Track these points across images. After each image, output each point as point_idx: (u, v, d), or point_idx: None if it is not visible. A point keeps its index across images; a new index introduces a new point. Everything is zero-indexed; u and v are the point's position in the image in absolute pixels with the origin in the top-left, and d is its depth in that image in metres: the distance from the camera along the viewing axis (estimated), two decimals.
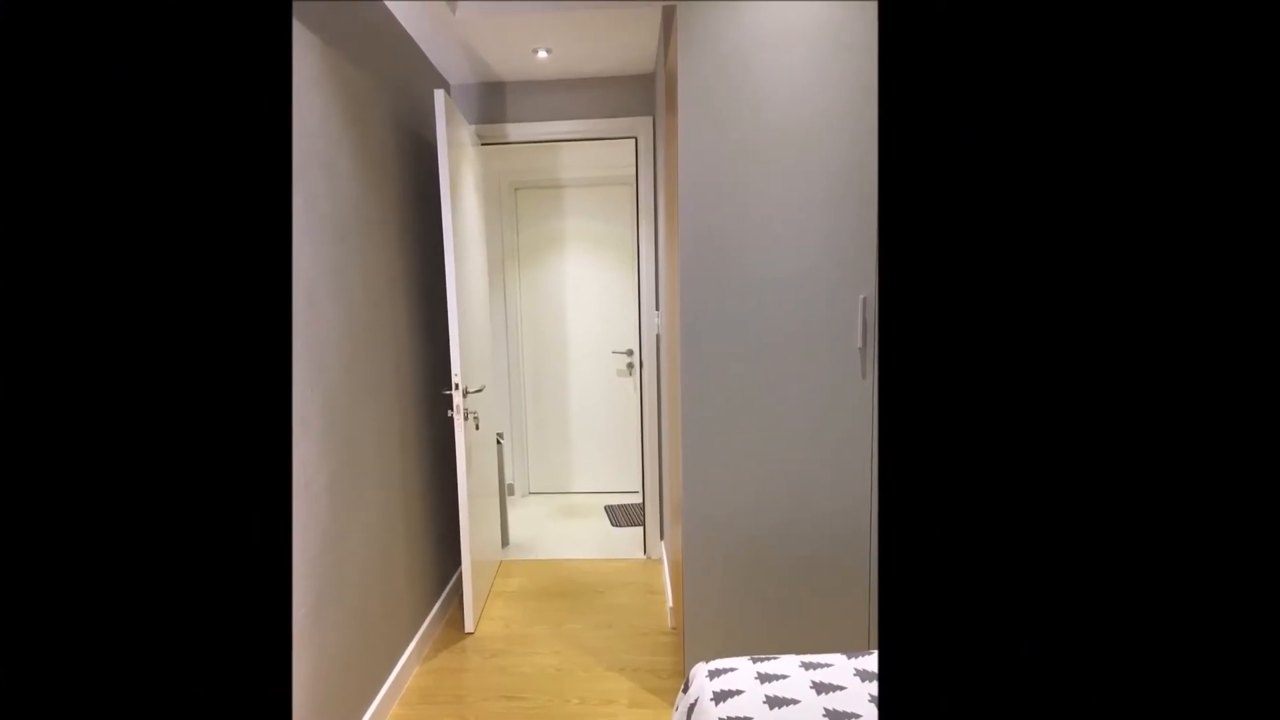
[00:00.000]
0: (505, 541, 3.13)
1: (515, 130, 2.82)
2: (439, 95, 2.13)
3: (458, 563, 2.71)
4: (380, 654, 1.89)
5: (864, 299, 1.68)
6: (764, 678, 1.20)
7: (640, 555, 2.98)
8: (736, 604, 1.80)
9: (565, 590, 2.65)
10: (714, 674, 1.25)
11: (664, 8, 2.13)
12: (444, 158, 2.15)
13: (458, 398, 2.20)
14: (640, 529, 3.27)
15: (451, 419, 2.58)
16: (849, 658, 1.26)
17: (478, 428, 2.46)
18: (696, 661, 1.80)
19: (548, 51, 2.49)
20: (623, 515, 3.49)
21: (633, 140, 2.86)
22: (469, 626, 2.31)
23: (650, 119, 2.78)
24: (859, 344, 1.69)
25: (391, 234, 2.09)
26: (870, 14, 1.61)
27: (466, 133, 2.51)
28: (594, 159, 3.66)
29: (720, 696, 1.17)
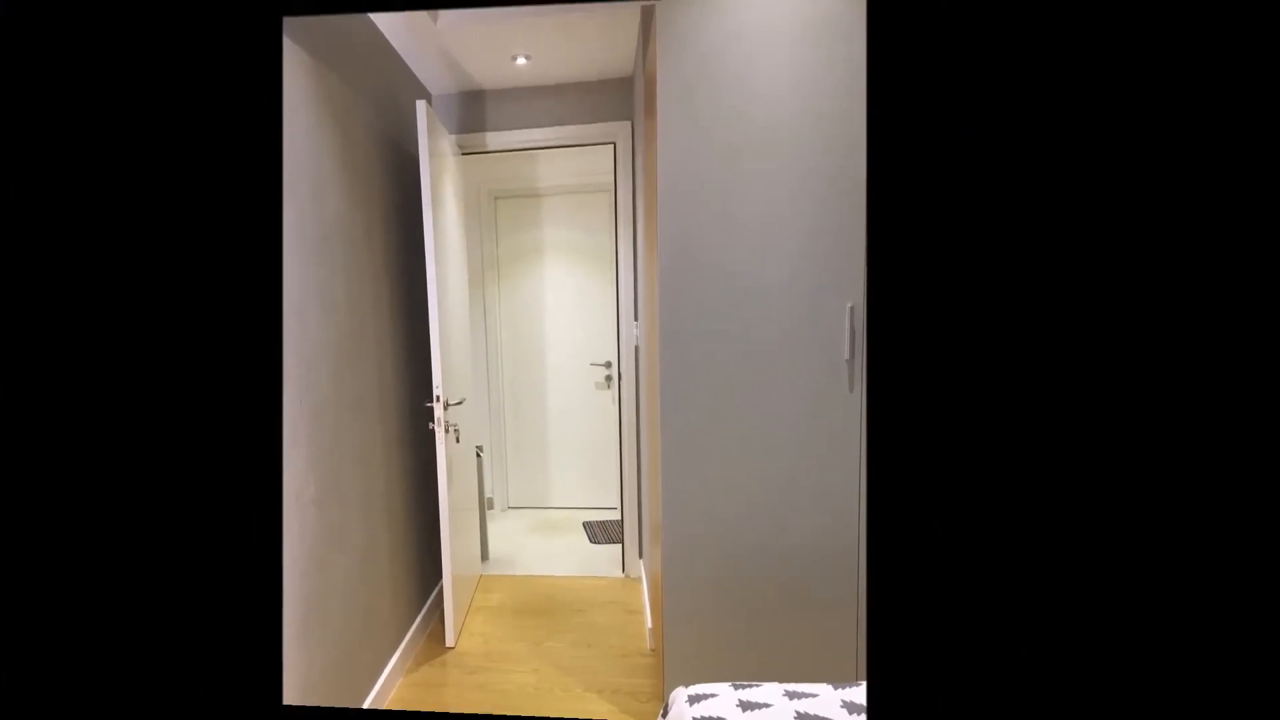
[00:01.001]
0: (485, 556, 3.09)
1: (495, 139, 2.80)
2: (420, 106, 2.11)
3: (439, 576, 2.67)
4: (365, 665, 1.88)
5: (851, 307, 1.60)
6: (746, 705, 1.16)
7: (619, 574, 2.93)
8: (718, 626, 1.73)
9: (544, 607, 2.60)
10: (694, 699, 1.20)
11: (643, 8, 2.07)
12: (426, 169, 2.13)
13: (439, 410, 2.18)
14: (619, 546, 3.25)
15: (433, 431, 2.55)
16: (835, 688, 1.21)
17: (458, 440, 2.43)
18: (676, 685, 1.73)
19: (526, 58, 2.47)
20: (601, 532, 3.44)
21: (611, 146, 2.83)
22: (450, 641, 2.27)
23: (629, 123, 2.75)
24: (846, 355, 1.62)
25: (375, 246, 2.07)
26: (859, 7, 1.53)
27: (447, 143, 2.50)
28: (572, 166, 3.63)
29: None
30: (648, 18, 1.99)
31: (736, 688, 1.22)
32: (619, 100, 2.76)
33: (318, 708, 1.54)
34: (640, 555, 2.86)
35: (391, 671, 2.05)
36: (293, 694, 1.45)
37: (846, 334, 1.62)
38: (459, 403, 2.45)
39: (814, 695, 1.18)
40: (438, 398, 2.17)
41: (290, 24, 1.50)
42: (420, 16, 2.13)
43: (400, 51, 2.35)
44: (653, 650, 2.26)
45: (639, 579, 2.87)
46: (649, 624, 2.35)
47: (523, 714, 1.92)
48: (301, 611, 1.52)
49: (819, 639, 1.71)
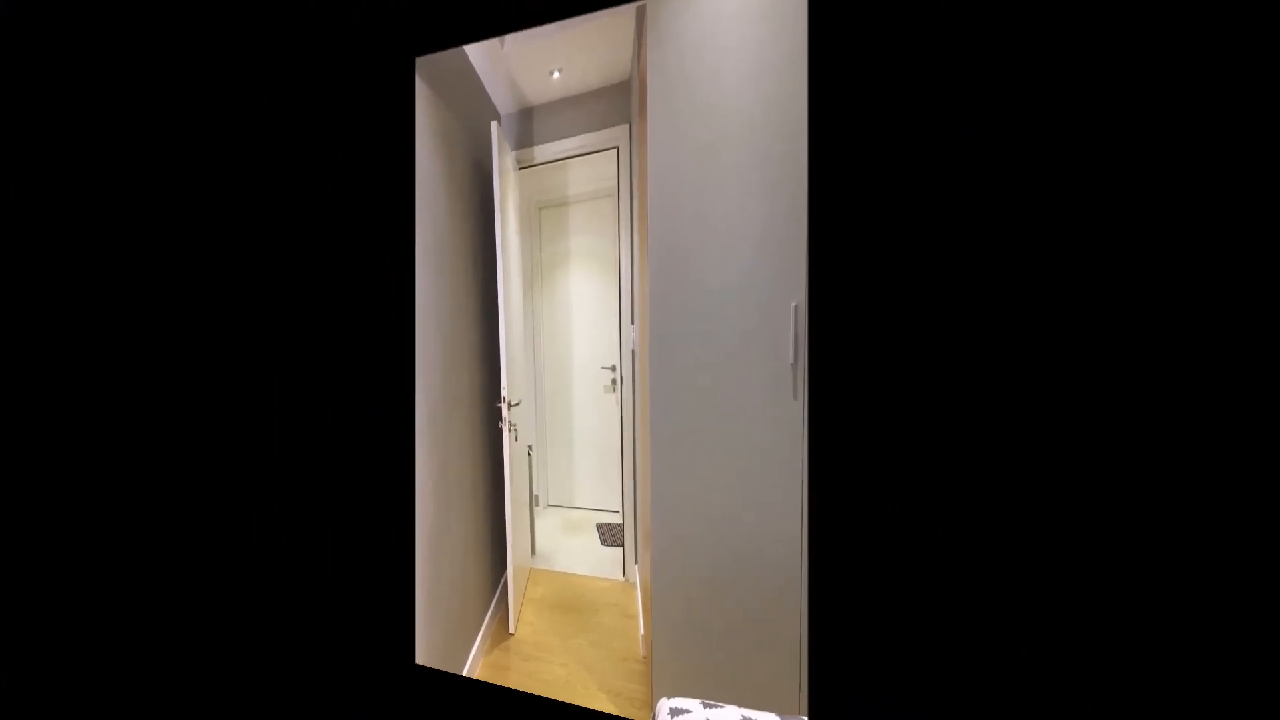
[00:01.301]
0: (533, 550, 3.22)
1: (540, 152, 2.94)
2: (494, 127, 2.26)
3: (504, 566, 2.81)
4: (462, 644, 2.10)
5: (795, 307, 1.42)
6: None
7: (620, 577, 2.97)
8: (704, 635, 1.66)
9: (571, 605, 2.69)
10: (675, 712, 1.21)
11: (637, 8, 2.03)
12: (498, 186, 2.28)
13: (505, 411, 2.32)
14: (621, 550, 3.25)
15: (501, 430, 2.70)
16: None
17: (516, 439, 2.57)
18: (663, 694, 1.65)
19: (559, 72, 2.59)
20: (609, 534, 3.49)
21: (615, 150, 2.84)
22: (512, 628, 2.43)
23: (628, 126, 2.75)
24: (790, 359, 1.43)
25: (469, 259, 2.26)
26: None
27: (510, 159, 2.65)
28: (591, 173, 3.64)
29: None
30: (641, 18, 1.93)
31: (706, 706, 1.23)
32: (620, 104, 2.78)
33: (446, 672, 1.67)
34: (635, 560, 2.86)
35: (476, 652, 2.23)
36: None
37: (791, 337, 1.43)
38: (517, 404, 2.59)
39: None
40: (504, 399, 2.31)
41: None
42: (493, 42, 2.27)
43: (480, 76, 2.51)
44: (644, 657, 2.24)
45: (635, 584, 2.87)
46: (642, 630, 2.35)
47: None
48: (425, 592, 1.69)
49: (796, 652, 1.56)
